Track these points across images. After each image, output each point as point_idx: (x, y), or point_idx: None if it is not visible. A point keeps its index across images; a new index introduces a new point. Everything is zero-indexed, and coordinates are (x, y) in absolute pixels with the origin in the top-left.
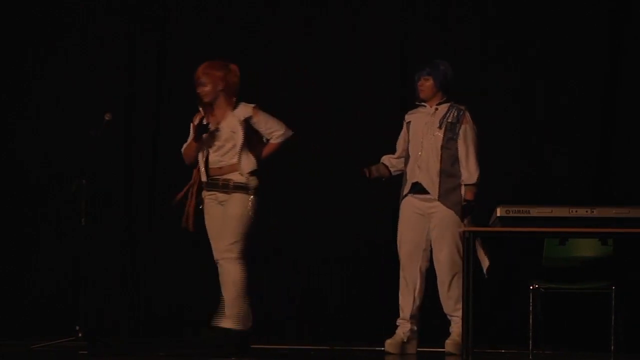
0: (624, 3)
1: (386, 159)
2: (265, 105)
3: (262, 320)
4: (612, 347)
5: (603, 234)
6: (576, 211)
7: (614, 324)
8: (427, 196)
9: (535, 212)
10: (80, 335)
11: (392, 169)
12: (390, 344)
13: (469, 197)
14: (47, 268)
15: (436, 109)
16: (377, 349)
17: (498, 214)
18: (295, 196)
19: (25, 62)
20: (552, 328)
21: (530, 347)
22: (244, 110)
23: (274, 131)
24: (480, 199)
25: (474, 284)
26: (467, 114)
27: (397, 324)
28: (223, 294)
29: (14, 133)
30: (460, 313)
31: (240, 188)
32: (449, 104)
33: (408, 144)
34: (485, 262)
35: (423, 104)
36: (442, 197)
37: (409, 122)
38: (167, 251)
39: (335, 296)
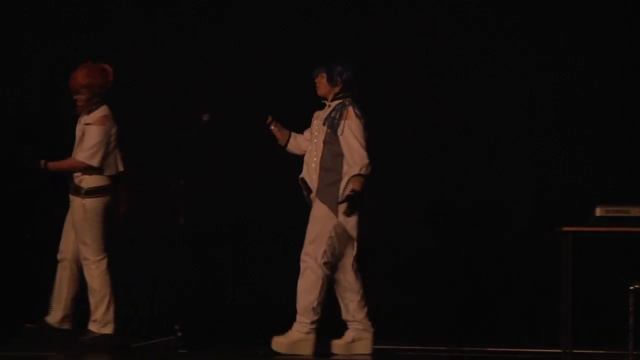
0: None
1: (296, 134)
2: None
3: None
4: None
5: None
6: None
7: None
8: (313, 193)
9: (636, 211)
10: (179, 334)
11: (290, 141)
12: (336, 345)
13: (355, 187)
14: (146, 267)
15: (329, 106)
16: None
17: (597, 214)
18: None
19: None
20: None
21: (630, 348)
22: None
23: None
24: (577, 198)
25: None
26: (350, 109)
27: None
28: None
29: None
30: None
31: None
32: (340, 101)
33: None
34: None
35: (324, 101)
36: (320, 193)
37: (313, 120)
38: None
39: None
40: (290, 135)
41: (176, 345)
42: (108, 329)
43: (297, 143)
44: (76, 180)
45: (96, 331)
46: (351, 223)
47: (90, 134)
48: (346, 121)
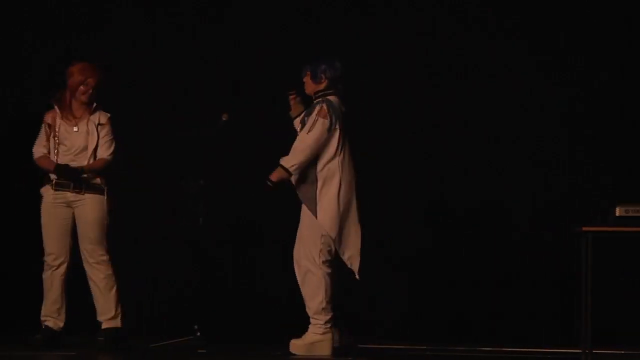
0: None
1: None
2: None
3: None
4: None
5: None
6: None
7: None
8: None
9: None
10: (199, 334)
11: (297, 119)
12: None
13: (272, 177)
14: (165, 267)
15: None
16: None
17: (617, 214)
18: None
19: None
20: None
21: None
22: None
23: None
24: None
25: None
26: (318, 107)
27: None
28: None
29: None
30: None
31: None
32: (320, 99)
33: None
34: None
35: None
36: (300, 193)
37: None
38: None
39: None
40: (301, 114)
41: (195, 345)
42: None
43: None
44: (91, 178)
45: (119, 325)
46: (328, 224)
47: (108, 133)
48: (310, 117)
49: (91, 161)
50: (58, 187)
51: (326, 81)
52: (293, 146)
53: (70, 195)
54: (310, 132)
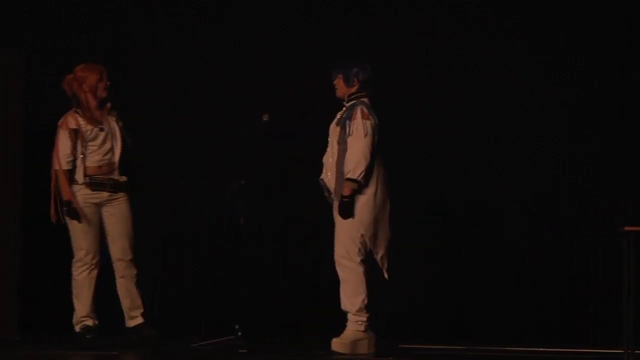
0: None
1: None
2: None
3: None
4: None
5: None
6: None
7: None
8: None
9: None
10: (239, 334)
11: None
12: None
13: (344, 192)
14: (206, 267)
15: (345, 107)
16: None
17: None
18: None
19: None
20: None
21: None
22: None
23: None
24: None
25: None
26: (358, 110)
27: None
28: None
29: (168, 133)
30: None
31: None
32: (353, 101)
33: None
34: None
35: (344, 102)
36: (336, 194)
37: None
38: None
39: None
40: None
41: (236, 345)
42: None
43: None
44: (117, 177)
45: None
46: (364, 223)
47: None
48: (353, 121)
49: (117, 159)
50: (95, 187)
51: (358, 84)
52: (349, 155)
53: (105, 195)
54: (361, 136)
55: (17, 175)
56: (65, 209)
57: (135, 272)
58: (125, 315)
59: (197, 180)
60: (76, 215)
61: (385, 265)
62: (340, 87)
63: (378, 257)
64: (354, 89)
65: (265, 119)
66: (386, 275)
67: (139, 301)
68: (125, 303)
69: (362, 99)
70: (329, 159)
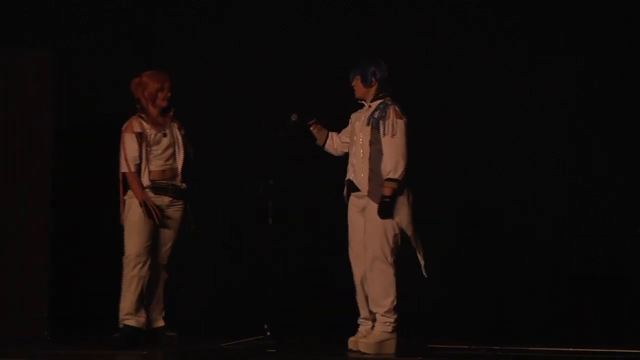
0: None
1: (333, 134)
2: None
3: None
4: None
5: None
6: None
7: None
8: (360, 193)
9: None
10: (269, 334)
11: (328, 142)
12: (352, 341)
13: (386, 192)
14: (235, 267)
15: (370, 106)
16: None
17: None
18: None
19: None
20: None
21: None
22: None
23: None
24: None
25: None
26: (391, 109)
27: (359, 323)
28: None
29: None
30: (382, 310)
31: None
32: (380, 101)
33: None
34: (422, 262)
35: (363, 102)
36: (371, 194)
37: (352, 122)
38: None
39: None
40: (327, 136)
41: (265, 344)
42: None
43: (333, 143)
44: (178, 184)
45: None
46: (405, 222)
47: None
48: (388, 121)
49: (180, 166)
50: (158, 191)
51: (377, 83)
52: (387, 155)
53: (167, 200)
54: (398, 135)
55: (48, 168)
56: (143, 208)
57: (167, 277)
58: (149, 316)
59: (225, 182)
60: (151, 214)
61: (424, 263)
62: (359, 88)
63: (420, 254)
64: (372, 89)
65: (294, 119)
66: (425, 273)
67: (162, 304)
68: (151, 305)
69: (388, 98)
70: (360, 160)
